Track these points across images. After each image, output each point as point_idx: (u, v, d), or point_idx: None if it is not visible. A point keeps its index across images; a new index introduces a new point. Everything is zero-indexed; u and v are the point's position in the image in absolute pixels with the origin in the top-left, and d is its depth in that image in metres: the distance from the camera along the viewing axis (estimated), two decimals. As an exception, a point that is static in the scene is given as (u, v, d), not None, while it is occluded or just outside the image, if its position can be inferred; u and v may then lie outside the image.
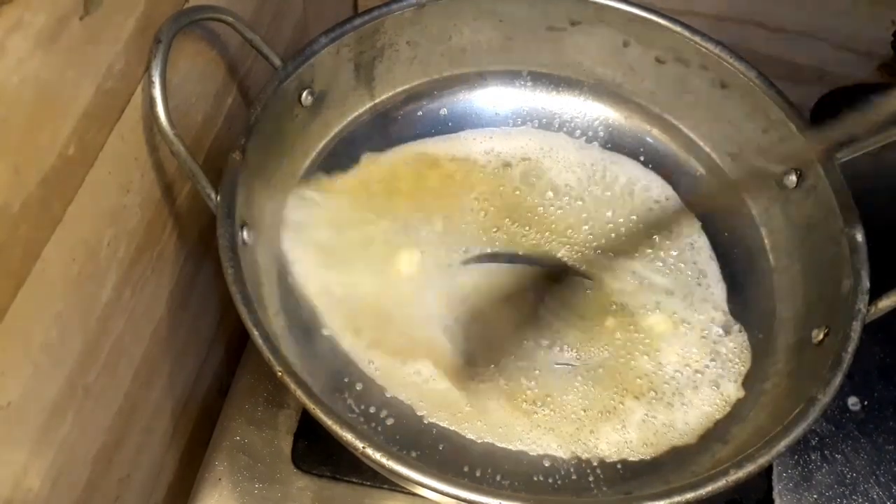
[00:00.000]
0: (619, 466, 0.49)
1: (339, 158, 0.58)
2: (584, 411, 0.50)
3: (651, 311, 0.54)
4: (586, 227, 0.58)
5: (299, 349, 0.50)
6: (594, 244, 0.57)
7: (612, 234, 0.57)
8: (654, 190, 0.60)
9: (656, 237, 0.57)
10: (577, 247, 0.57)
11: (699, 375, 0.52)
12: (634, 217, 0.58)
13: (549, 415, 0.50)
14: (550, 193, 0.59)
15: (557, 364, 0.51)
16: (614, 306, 0.54)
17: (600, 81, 0.62)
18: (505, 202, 0.58)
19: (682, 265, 0.56)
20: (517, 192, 0.59)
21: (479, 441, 0.49)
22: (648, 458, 0.49)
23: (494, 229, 0.57)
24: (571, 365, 0.51)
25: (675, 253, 0.57)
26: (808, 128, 0.53)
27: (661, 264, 0.56)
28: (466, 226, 0.57)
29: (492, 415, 0.49)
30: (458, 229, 0.56)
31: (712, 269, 0.56)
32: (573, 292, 0.55)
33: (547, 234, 0.57)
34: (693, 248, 0.57)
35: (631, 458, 0.49)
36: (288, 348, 0.49)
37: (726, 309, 0.54)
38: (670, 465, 0.48)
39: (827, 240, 0.51)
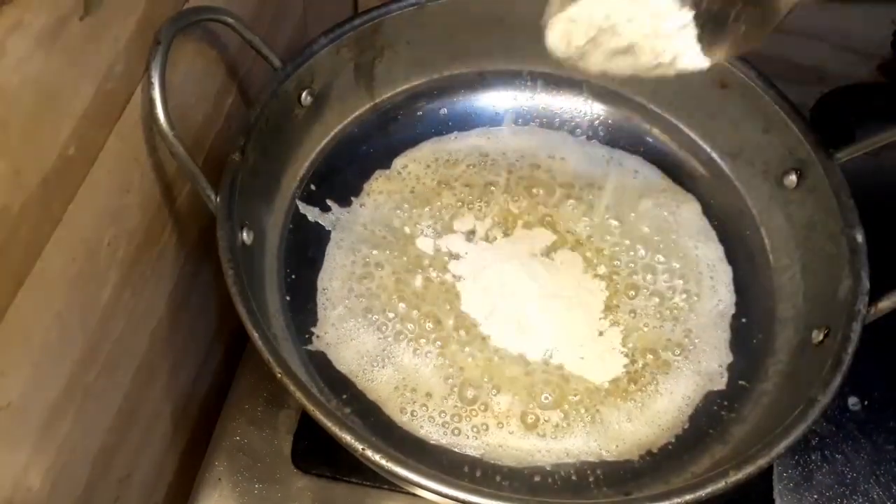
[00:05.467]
0: (619, 467, 0.49)
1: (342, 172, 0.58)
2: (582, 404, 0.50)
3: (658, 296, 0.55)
4: (593, 221, 0.58)
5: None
6: (604, 234, 0.57)
7: (620, 226, 0.58)
8: (658, 181, 0.60)
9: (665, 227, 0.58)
10: (587, 239, 0.57)
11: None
12: (643, 208, 0.59)
13: (546, 422, 0.50)
14: (559, 189, 0.59)
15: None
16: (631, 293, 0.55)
17: (601, 81, 0.62)
18: (513, 199, 0.59)
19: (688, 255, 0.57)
20: (525, 190, 0.59)
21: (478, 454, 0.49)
22: (647, 455, 0.49)
23: (508, 227, 0.58)
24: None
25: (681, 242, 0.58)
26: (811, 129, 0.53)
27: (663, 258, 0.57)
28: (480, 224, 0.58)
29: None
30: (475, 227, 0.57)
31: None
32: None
33: (560, 229, 0.58)
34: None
35: (631, 458, 0.49)
36: (288, 349, 0.49)
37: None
38: (670, 465, 0.48)
39: (827, 240, 0.51)
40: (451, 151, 0.61)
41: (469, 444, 0.49)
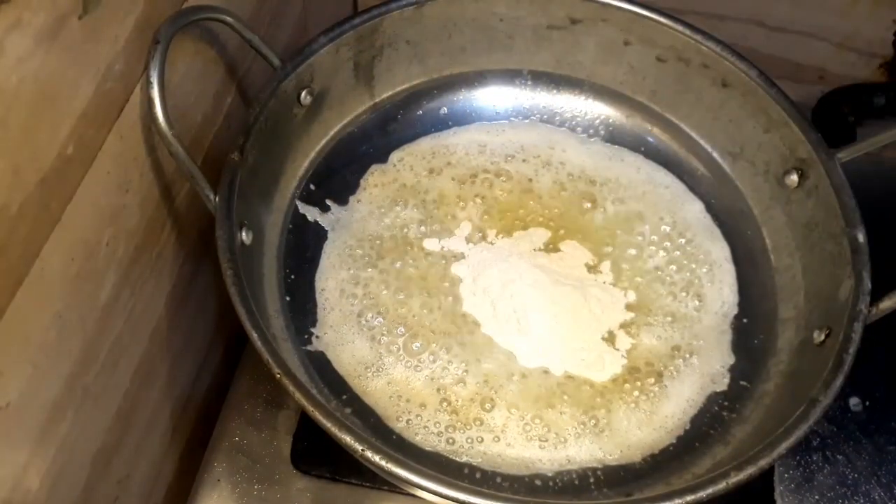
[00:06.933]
0: (620, 469, 0.48)
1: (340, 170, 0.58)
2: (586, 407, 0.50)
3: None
4: (596, 216, 0.58)
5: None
6: (608, 231, 0.57)
7: (624, 222, 0.58)
8: (660, 178, 0.60)
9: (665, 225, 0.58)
10: (589, 236, 0.57)
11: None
12: (647, 205, 0.59)
13: (548, 433, 0.50)
14: (560, 181, 0.59)
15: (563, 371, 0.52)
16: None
17: (601, 80, 0.62)
18: (512, 190, 0.59)
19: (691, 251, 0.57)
20: (524, 180, 0.59)
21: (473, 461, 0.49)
22: (648, 456, 0.49)
23: (507, 222, 0.57)
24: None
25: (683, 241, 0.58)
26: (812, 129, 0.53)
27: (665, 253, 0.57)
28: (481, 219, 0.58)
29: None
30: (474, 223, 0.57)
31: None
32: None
33: (561, 225, 0.58)
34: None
35: (633, 460, 0.49)
36: (287, 350, 0.49)
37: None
38: (671, 467, 0.48)
39: (828, 240, 0.51)
40: (449, 145, 0.61)
41: (465, 453, 0.48)
